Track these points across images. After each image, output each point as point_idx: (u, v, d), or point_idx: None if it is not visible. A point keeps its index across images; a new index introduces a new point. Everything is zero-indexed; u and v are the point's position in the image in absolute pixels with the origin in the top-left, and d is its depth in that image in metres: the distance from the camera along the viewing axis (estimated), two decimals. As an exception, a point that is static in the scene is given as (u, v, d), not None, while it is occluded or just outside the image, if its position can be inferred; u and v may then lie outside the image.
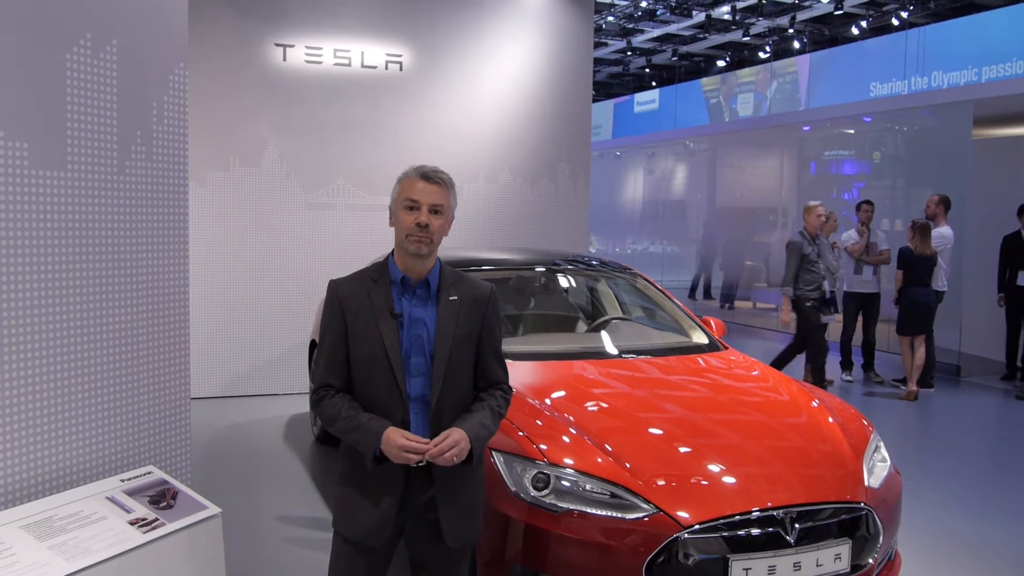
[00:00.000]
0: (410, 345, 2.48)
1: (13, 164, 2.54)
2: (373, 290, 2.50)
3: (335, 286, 2.55)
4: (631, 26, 18.88)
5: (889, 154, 12.03)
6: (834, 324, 8.86)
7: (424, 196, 2.46)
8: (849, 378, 8.86)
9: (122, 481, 2.80)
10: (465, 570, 2.71)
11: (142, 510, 2.67)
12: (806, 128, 13.59)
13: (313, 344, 6.39)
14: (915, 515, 4.75)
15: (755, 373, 4.34)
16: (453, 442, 2.38)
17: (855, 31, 16.74)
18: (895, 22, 15.70)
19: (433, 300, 2.53)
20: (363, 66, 7.88)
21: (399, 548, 2.63)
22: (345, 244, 7.84)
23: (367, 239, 7.80)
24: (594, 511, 3.10)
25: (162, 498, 2.76)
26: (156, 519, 2.64)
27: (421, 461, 2.39)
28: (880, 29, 16.57)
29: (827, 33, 18.46)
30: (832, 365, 9.01)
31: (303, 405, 7.20)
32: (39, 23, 2.60)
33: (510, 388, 2.69)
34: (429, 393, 2.48)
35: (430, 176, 2.49)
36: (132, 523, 2.59)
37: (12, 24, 2.53)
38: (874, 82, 13.41)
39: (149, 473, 2.90)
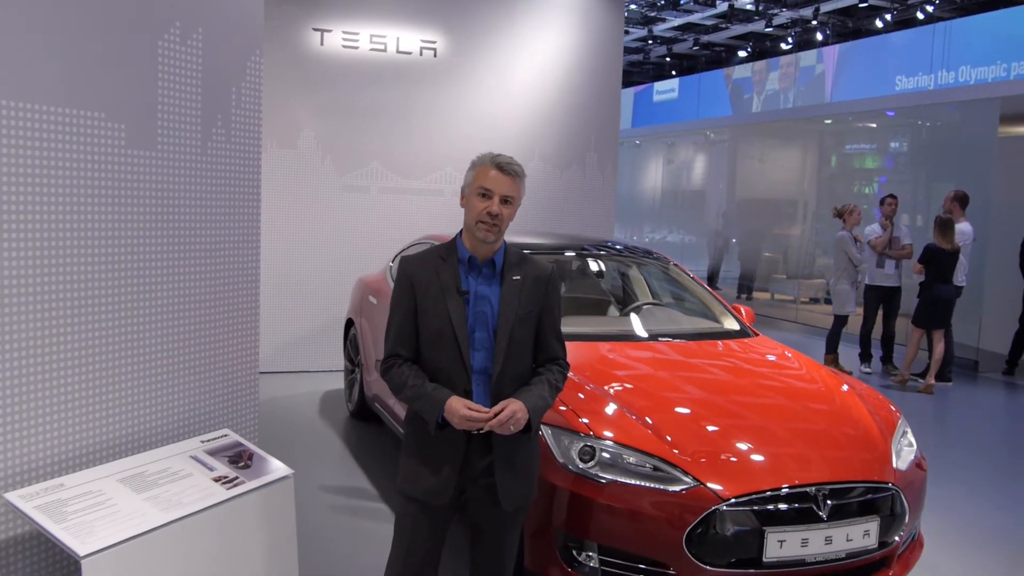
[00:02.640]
0: (475, 321, 2.63)
1: (112, 143, 2.72)
2: (442, 268, 2.65)
3: (406, 263, 2.71)
4: (653, 14, 18.92)
5: (912, 149, 12.10)
6: (854, 317, 9.02)
7: (497, 186, 2.60)
8: (868, 370, 8.99)
9: (202, 442, 2.99)
10: (518, 533, 2.88)
11: (223, 469, 2.87)
12: (828, 121, 13.66)
13: (349, 323, 6.58)
14: (934, 503, 4.89)
15: (787, 357, 4.50)
16: (511, 413, 2.54)
17: (879, 24, 16.75)
18: (920, 16, 15.72)
19: (498, 279, 2.68)
20: (398, 52, 8.03)
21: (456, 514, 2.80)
22: (378, 226, 8.02)
23: (399, 221, 7.98)
24: (637, 482, 3.28)
25: (239, 458, 2.96)
26: (236, 477, 2.84)
27: (481, 429, 2.56)
28: (904, 23, 16.58)
29: (851, 25, 18.46)
30: (851, 357, 9.15)
31: (336, 382, 7.39)
32: (135, 12, 2.78)
33: (567, 364, 2.85)
34: (491, 366, 2.64)
35: (504, 167, 2.62)
36: (215, 480, 2.79)
37: (112, 13, 2.71)
38: (900, 76, 13.45)
39: (225, 435, 3.10)
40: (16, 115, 2.49)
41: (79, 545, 2.30)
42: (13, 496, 2.39)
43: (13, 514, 2.42)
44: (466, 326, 2.62)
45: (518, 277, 2.69)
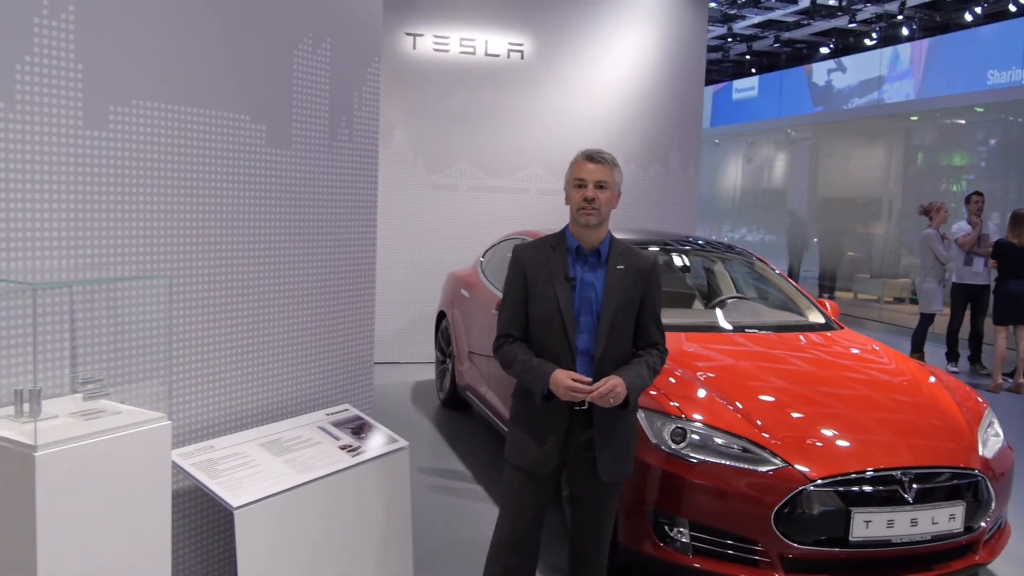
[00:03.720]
0: (580, 305, 2.85)
1: (256, 142, 3.05)
2: (552, 256, 2.88)
3: (520, 251, 2.95)
4: (733, 12, 18.80)
5: (1003, 145, 11.83)
6: (940, 316, 8.94)
7: (590, 175, 2.84)
8: (955, 369, 8.90)
9: (327, 415, 3.30)
10: (616, 505, 3.07)
11: (347, 438, 3.16)
12: (914, 118, 13.44)
13: (441, 315, 6.88)
14: (1021, 499, 4.90)
15: (873, 350, 4.60)
16: (611, 387, 2.73)
17: (968, 17, 16.34)
18: (1012, 8, 15.27)
19: (603, 267, 2.89)
20: (487, 55, 8.31)
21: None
22: (466, 223, 8.31)
23: (487, 218, 8.25)
24: (727, 463, 3.45)
25: (361, 430, 3.25)
26: (359, 446, 3.12)
27: (583, 404, 2.77)
28: (994, 16, 16.13)
29: (938, 19, 18.03)
30: (938, 356, 9.06)
31: (427, 372, 7.70)
32: (276, 25, 3.10)
33: (665, 349, 3.03)
34: (594, 348, 2.85)
35: (594, 157, 2.87)
36: (341, 448, 3.08)
37: (258, 27, 3.03)
38: (992, 70, 13.12)
39: (346, 410, 3.40)
40: (190, 119, 2.84)
41: (232, 498, 2.61)
42: (174, 455, 2.71)
43: (172, 470, 2.73)
44: (572, 310, 2.83)
45: (622, 267, 2.89)
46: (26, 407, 2.24)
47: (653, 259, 3.00)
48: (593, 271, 2.89)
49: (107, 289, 2.59)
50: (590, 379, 2.77)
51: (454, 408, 6.60)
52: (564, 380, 2.73)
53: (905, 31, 17.82)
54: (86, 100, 2.50)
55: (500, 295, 3.10)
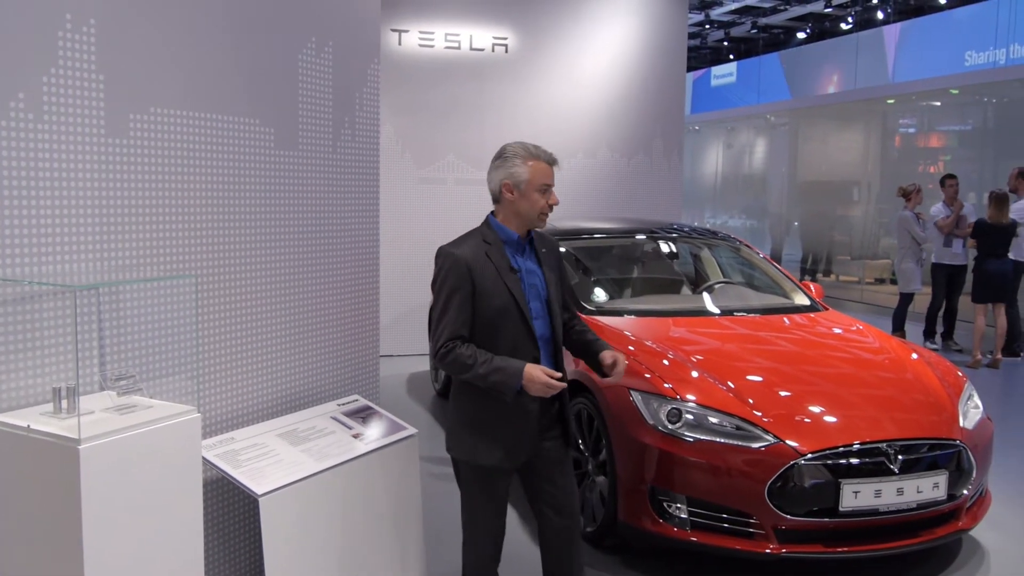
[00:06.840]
0: (529, 294, 2.87)
1: (264, 145, 3.17)
2: (491, 251, 2.84)
3: (454, 251, 2.82)
4: (711, -1, 18.95)
5: (979, 127, 12.06)
6: (919, 296, 9.17)
7: (552, 179, 2.86)
8: (934, 346, 9.13)
9: (338, 405, 3.43)
10: (570, 465, 3.05)
11: (359, 427, 3.29)
12: (891, 101, 13.65)
13: (434, 306, 6.99)
14: (1001, 469, 5.05)
15: (856, 330, 4.77)
16: (624, 361, 2.90)
17: (942, 1, 16.56)
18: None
19: (533, 254, 2.95)
20: (471, 49, 8.43)
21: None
22: (455, 216, 8.37)
23: (475, 211, 8.25)
24: (722, 440, 3.62)
25: (371, 419, 3.38)
26: (371, 435, 3.26)
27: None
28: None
29: (912, 2, 18.26)
30: (916, 334, 9.29)
31: (420, 364, 7.82)
32: (282, 31, 3.22)
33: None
34: (549, 332, 2.91)
35: (556, 162, 2.89)
36: (354, 436, 3.21)
37: (265, 32, 3.15)
38: (969, 51, 13.29)
39: (356, 400, 3.53)
40: (204, 124, 2.96)
41: (256, 486, 2.74)
42: (198, 446, 2.83)
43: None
44: (526, 299, 2.84)
45: (544, 250, 2.99)
46: (64, 404, 2.35)
47: (554, 239, 3.13)
48: (530, 259, 2.93)
49: (135, 289, 2.71)
50: (559, 373, 2.75)
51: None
52: (539, 376, 2.67)
53: (880, 15, 18.04)
54: (108, 109, 2.61)
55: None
